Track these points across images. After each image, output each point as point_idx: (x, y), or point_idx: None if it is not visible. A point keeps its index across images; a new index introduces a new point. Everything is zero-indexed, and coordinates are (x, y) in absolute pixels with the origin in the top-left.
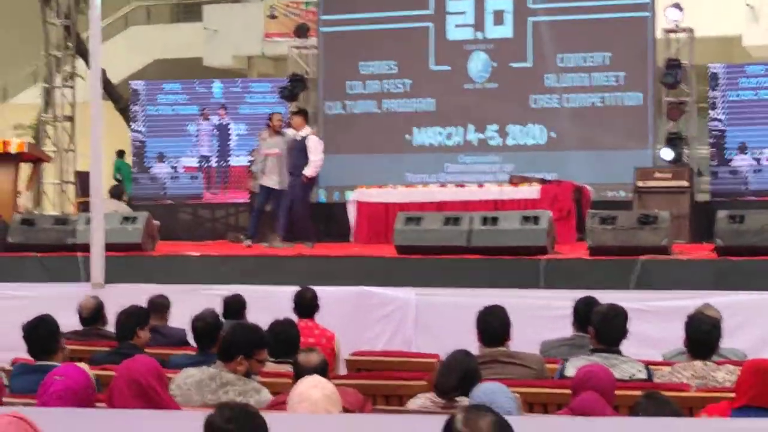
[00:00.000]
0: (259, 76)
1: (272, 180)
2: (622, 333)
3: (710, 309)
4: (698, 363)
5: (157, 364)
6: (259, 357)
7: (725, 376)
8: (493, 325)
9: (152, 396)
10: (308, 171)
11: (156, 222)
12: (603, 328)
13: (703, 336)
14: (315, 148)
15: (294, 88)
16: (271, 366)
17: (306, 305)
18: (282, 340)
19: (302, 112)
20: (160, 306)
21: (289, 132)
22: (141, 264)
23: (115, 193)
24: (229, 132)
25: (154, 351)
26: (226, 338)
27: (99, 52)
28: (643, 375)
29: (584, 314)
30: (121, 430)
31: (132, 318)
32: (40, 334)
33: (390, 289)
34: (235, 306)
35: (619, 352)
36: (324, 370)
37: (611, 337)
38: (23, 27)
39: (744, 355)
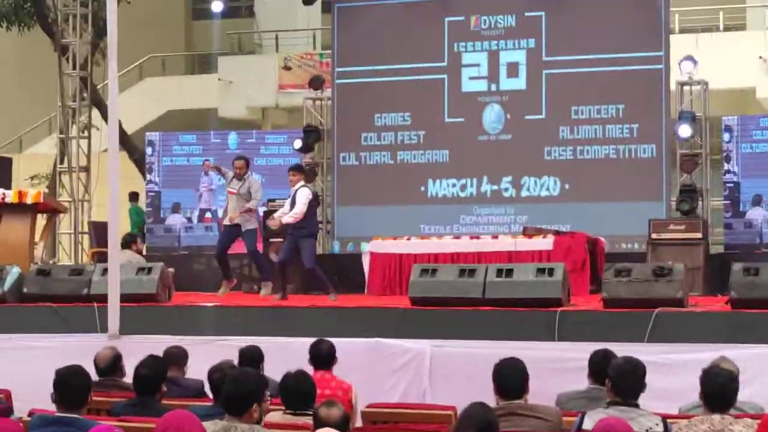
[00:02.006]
0: (273, 127)
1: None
2: (640, 386)
3: (727, 362)
4: (716, 416)
5: (196, 418)
6: (266, 398)
7: (743, 429)
8: (511, 378)
9: None
10: (286, 217)
11: (170, 269)
12: (620, 381)
13: (719, 389)
14: (300, 199)
15: (308, 139)
16: (287, 418)
17: (322, 357)
18: (297, 392)
19: (296, 168)
20: (177, 357)
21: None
22: (156, 315)
23: (124, 242)
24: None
25: (171, 402)
26: (235, 391)
27: (116, 103)
28: (660, 429)
29: (600, 367)
30: None
31: (151, 369)
32: (74, 384)
33: (405, 341)
34: (251, 357)
35: (636, 406)
36: (345, 424)
37: (628, 390)
38: (39, 78)
39: (761, 408)
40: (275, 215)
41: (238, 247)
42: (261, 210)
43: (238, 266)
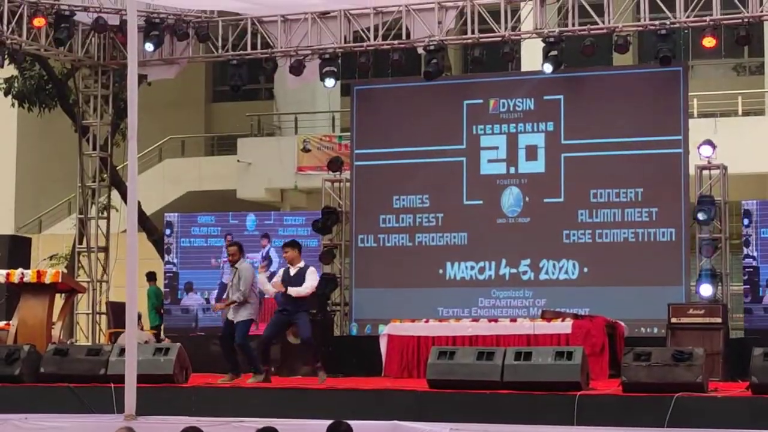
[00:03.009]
0: (292, 209)
1: (232, 311)
2: None
3: None
4: None
5: None
6: None
7: None
8: None
9: None
10: (297, 291)
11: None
12: None
13: None
14: (312, 277)
15: (327, 221)
16: None
17: None
18: None
19: (294, 245)
20: None
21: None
22: (173, 396)
23: None
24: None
25: None
26: None
27: (135, 184)
28: None
29: None
30: None
31: None
32: None
33: (424, 424)
34: None
35: None
36: None
37: None
38: (59, 159)
39: None
40: (279, 283)
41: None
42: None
43: (255, 347)
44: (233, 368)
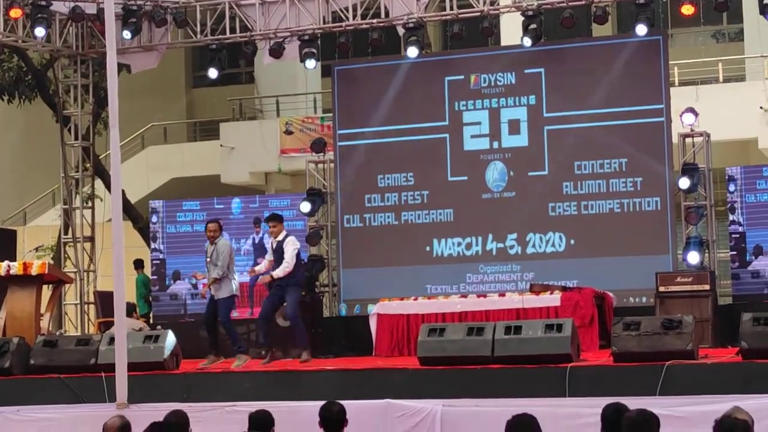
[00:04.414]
0: (276, 191)
1: (213, 288)
2: None
3: (740, 412)
4: None
5: None
6: None
7: None
8: None
9: None
10: (278, 272)
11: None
12: None
13: None
14: (288, 250)
15: (312, 203)
16: None
17: (333, 419)
18: None
19: (276, 218)
20: (179, 424)
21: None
22: (164, 383)
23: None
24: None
25: None
26: None
27: (119, 172)
28: None
29: (614, 421)
30: None
31: None
32: None
33: (416, 401)
34: (262, 422)
35: None
36: None
37: None
38: (41, 150)
39: None
40: (263, 273)
41: (246, 312)
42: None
43: (245, 331)
44: (214, 348)
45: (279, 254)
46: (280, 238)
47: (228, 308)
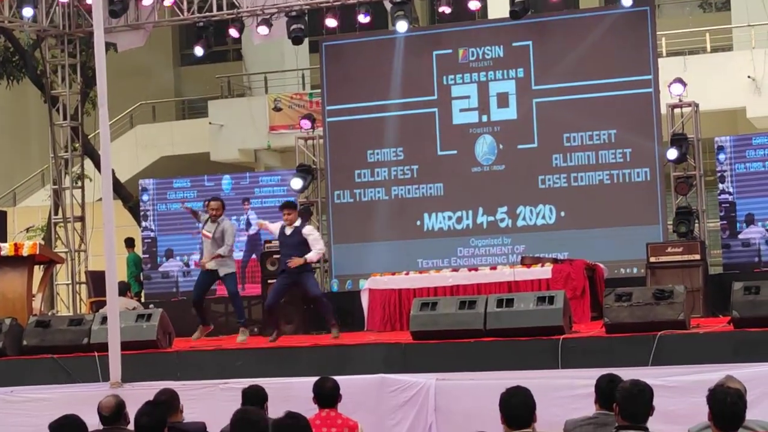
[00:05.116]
0: (266, 168)
1: (215, 263)
2: (648, 409)
3: (733, 381)
4: None
5: None
6: None
7: None
8: (518, 407)
9: None
10: (312, 255)
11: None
12: (628, 404)
13: (728, 408)
14: (316, 237)
15: (303, 179)
16: None
17: (327, 395)
18: None
19: (291, 206)
20: (169, 402)
21: (272, 226)
22: (157, 361)
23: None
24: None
25: None
26: None
27: (108, 151)
28: None
29: (607, 392)
30: None
31: (151, 418)
32: None
33: (409, 376)
34: (255, 398)
35: (646, 429)
36: None
37: (637, 414)
38: (30, 130)
39: None
40: (293, 256)
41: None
42: (261, 251)
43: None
44: (202, 320)
45: (294, 240)
46: (297, 224)
47: (235, 282)
